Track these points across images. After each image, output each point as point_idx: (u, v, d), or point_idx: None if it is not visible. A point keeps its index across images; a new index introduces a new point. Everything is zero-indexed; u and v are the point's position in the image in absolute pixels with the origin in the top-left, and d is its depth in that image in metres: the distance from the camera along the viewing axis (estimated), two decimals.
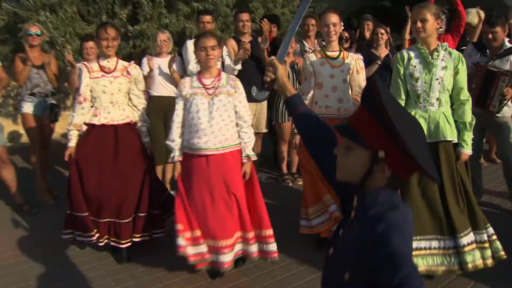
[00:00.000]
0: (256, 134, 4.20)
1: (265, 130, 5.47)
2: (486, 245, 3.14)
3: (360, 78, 3.78)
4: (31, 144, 5.20)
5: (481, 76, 4.25)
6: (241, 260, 3.56)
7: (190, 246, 3.25)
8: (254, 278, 3.44)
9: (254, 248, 3.37)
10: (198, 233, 3.27)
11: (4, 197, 5.27)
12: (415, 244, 3.06)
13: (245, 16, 5.30)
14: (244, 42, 4.97)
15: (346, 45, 5.36)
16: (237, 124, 3.39)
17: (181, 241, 3.20)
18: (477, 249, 3.12)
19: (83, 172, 3.61)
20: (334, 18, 3.69)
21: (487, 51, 4.39)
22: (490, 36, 4.27)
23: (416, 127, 1.44)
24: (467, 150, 3.19)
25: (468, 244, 3.08)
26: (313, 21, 5.63)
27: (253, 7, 7.56)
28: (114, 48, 3.68)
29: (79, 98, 3.64)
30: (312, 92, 3.81)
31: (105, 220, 3.65)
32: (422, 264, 3.10)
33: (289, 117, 5.19)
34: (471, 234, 3.12)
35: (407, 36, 5.57)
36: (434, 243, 3.12)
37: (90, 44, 5.03)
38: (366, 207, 1.39)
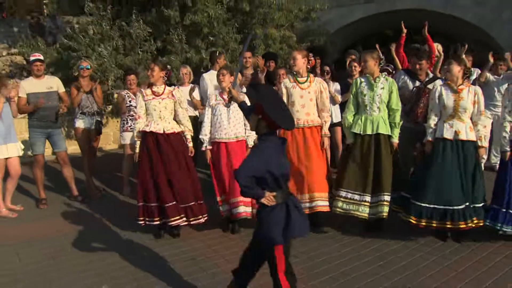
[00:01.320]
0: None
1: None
2: (386, 203, 4.84)
3: (323, 96, 5.17)
4: (82, 150, 6.78)
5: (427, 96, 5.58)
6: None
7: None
8: None
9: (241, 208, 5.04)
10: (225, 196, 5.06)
11: (64, 190, 6.87)
12: (343, 194, 4.90)
13: (247, 54, 6.87)
14: (246, 73, 6.54)
15: (327, 77, 6.79)
16: (244, 124, 5.09)
17: (223, 208, 5.10)
18: (381, 205, 4.82)
19: (147, 169, 5.00)
20: (297, 55, 5.15)
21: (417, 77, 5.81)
22: (417, 66, 5.72)
23: (276, 105, 3.05)
24: (395, 140, 4.95)
25: (383, 200, 4.81)
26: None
27: (255, 43, 9.05)
28: (160, 77, 5.12)
29: (136, 116, 5.12)
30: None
31: (157, 205, 4.99)
32: (343, 207, 4.92)
33: None
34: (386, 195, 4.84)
35: (437, 72, 6.53)
36: (356, 196, 4.90)
37: (132, 77, 6.66)
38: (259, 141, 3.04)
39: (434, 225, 4.66)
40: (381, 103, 4.92)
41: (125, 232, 5.32)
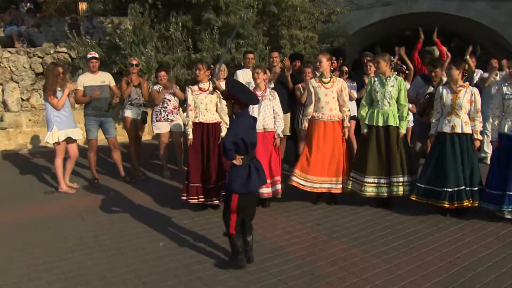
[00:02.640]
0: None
1: (288, 133, 7.76)
2: (405, 184, 5.71)
3: (343, 94, 6.01)
4: (129, 137, 7.74)
5: None
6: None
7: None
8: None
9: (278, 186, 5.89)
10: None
11: (113, 172, 7.84)
12: (370, 180, 5.73)
13: (275, 54, 7.74)
14: (274, 71, 7.41)
15: (345, 76, 7.59)
16: (274, 117, 5.90)
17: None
18: (396, 186, 5.68)
19: (196, 154, 5.91)
20: (323, 58, 5.99)
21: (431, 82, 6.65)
22: (433, 74, 6.58)
23: (243, 90, 4.38)
24: (402, 131, 5.78)
25: (395, 181, 5.70)
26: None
27: (282, 43, 9.85)
28: (205, 76, 6.01)
29: (189, 107, 5.98)
30: (313, 103, 6.09)
31: (199, 185, 5.90)
32: (371, 191, 5.75)
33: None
34: (398, 176, 5.70)
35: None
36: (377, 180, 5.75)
37: (163, 73, 7.59)
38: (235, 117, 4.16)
39: (432, 203, 5.48)
40: (391, 99, 5.78)
41: (164, 209, 6.20)
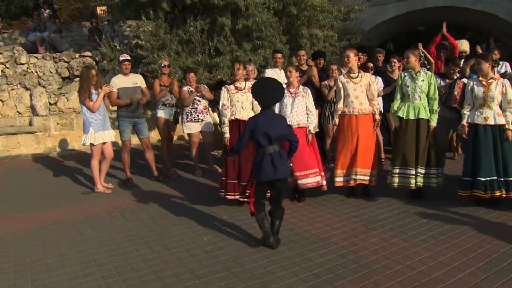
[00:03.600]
0: None
1: (316, 130, 7.92)
2: (434, 176, 5.83)
3: (371, 89, 6.19)
4: (162, 137, 7.96)
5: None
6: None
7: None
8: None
9: (318, 178, 6.05)
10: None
11: (147, 171, 8.07)
12: (397, 170, 5.92)
13: (301, 52, 7.91)
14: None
15: (371, 73, 7.74)
16: (307, 113, 6.05)
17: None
18: (430, 177, 5.81)
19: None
20: (350, 53, 6.18)
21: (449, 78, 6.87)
22: (451, 71, 6.81)
23: (261, 90, 4.77)
24: (433, 124, 5.93)
25: (425, 173, 5.82)
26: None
27: (302, 42, 10.02)
28: (242, 75, 6.26)
29: (225, 106, 6.19)
30: (342, 99, 6.25)
31: (236, 182, 6.09)
32: (399, 181, 5.93)
33: (331, 120, 7.67)
34: (428, 168, 5.85)
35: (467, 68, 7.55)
36: (407, 171, 5.87)
37: (191, 74, 7.75)
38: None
39: (473, 194, 5.59)
40: (422, 93, 5.94)
41: (201, 206, 6.38)
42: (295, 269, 4.31)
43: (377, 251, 4.59)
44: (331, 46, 10.56)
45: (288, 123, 6.01)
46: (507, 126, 5.56)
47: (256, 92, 4.80)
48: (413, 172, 5.90)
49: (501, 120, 5.58)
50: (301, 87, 6.25)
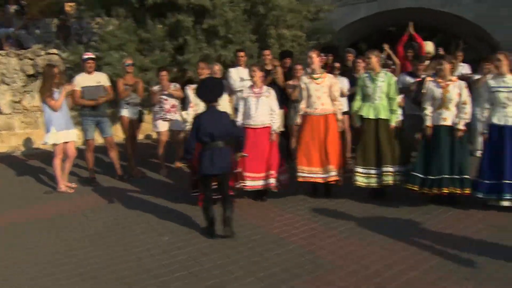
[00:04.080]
0: None
1: (281, 129, 7.96)
2: (397, 173, 5.95)
3: (334, 89, 6.24)
4: (125, 136, 7.88)
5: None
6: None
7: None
8: None
9: (272, 180, 6.07)
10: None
11: (111, 171, 7.99)
12: (361, 170, 5.99)
13: (266, 52, 7.95)
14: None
15: (337, 73, 7.80)
16: (271, 113, 6.12)
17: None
18: (386, 175, 5.91)
19: None
20: (313, 54, 6.23)
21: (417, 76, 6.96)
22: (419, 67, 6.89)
23: (204, 89, 5.15)
24: (393, 123, 6.02)
25: (387, 171, 5.91)
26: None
27: (270, 42, 10.01)
28: (206, 75, 6.37)
29: (190, 105, 6.29)
30: (305, 99, 6.28)
31: None
32: (363, 181, 6.00)
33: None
34: (390, 166, 5.93)
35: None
36: (371, 171, 5.97)
37: (163, 73, 7.77)
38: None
39: (424, 191, 5.71)
40: (382, 94, 6.04)
41: (164, 205, 6.36)
42: (253, 268, 4.32)
43: (334, 251, 4.64)
44: (300, 46, 10.57)
45: (253, 122, 6.13)
46: (458, 126, 5.67)
47: (198, 90, 5.19)
48: (375, 171, 6.00)
49: (455, 121, 5.70)
50: (265, 87, 6.29)
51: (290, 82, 7.57)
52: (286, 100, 7.73)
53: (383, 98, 6.06)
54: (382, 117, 6.02)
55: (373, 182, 6.02)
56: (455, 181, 5.62)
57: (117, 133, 9.40)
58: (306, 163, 6.18)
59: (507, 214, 5.43)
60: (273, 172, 6.09)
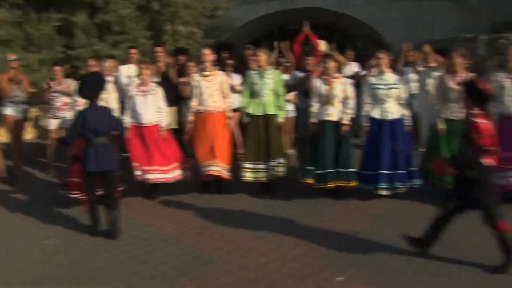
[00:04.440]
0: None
1: (175, 127, 7.91)
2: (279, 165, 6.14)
3: (225, 87, 6.32)
4: (10, 136, 7.42)
5: None
6: None
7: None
8: None
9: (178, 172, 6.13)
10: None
11: None
12: (250, 165, 6.11)
13: (158, 49, 7.87)
14: (159, 66, 7.51)
15: (230, 70, 7.87)
16: (158, 111, 6.11)
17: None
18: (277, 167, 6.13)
19: None
20: (205, 51, 6.31)
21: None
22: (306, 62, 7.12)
23: (86, 86, 5.09)
24: (279, 119, 6.24)
25: (274, 165, 6.09)
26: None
27: (164, 39, 9.93)
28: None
29: (76, 102, 6.15)
30: (196, 96, 6.31)
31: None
32: (251, 176, 6.13)
33: None
34: (277, 160, 6.14)
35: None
36: (259, 165, 6.12)
37: (56, 69, 7.46)
38: None
39: (314, 185, 5.92)
40: (269, 90, 6.22)
41: (45, 207, 6.06)
42: (139, 268, 4.28)
43: (223, 246, 4.70)
44: (196, 43, 10.57)
45: (142, 121, 6.03)
46: (343, 121, 5.95)
47: (79, 87, 5.16)
48: (263, 166, 6.15)
49: (339, 115, 5.97)
50: (152, 84, 6.22)
51: (182, 79, 7.53)
52: (179, 97, 7.67)
53: (271, 95, 6.23)
54: (270, 113, 6.19)
55: (261, 176, 6.17)
56: (340, 174, 5.88)
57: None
58: (203, 160, 6.19)
59: (385, 202, 5.82)
60: (176, 164, 6.12)
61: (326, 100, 6.00)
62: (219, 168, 6.15)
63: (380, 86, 5.99)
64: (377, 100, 6.02)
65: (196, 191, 6.45)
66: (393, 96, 5.99)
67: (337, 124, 5.96)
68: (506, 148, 5.50)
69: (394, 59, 7.88)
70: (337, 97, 5.98)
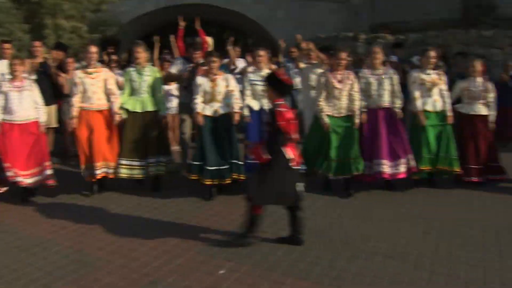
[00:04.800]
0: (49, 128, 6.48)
1: (55, 125, 7.54)
2: (163, 164, 6.16)
3: (109, 83, 6.13)
4: None
5: None
6: None
7: None
8: None
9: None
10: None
11: None
12: (125, 162, 6.01)
13: (36, 43, 7.44)
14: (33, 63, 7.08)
15: (114, 65, 7.66)
16: (36, 107, 5.82)
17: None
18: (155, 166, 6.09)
19: None
20: (90, 48, 6.09)
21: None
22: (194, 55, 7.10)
23: None
24: (162, 113, 6.30)
25: (152, 162, 6.07)
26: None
27: (46, 33, 9.42)
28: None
29: None
30: (79, 93, 6.07)
31: None
32: (126, 172, 6.05)
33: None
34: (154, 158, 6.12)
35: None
36: (134, 162, 6.04)
37: None
38: None
39: (200, 180, 5.91)
40: (148, 87, 6.20)
41: None
42: (10, 277, 3.99)
43: (102, 247, 4.55)
44: (81, 38, 10.14)
45: (16, 118, 5.70)
46: (235, 111, 5.97)
47: None
48: (139, 163, 6.10)
49: (224, 110, 6.02)
50: (27, 81, 5.90)
51: (63, 76, 7.19)
52: (59, 95, 7.33)
53: (149, 92, 6.21)
54: (149, 109, 6.18)
55: (136, 173, 6.11)
56: (230, 168, 5.93)
57: None
58: (88, 161, 5.98)
59: None
60: (38, 169, 5.82)
61: (210, 97, 6.01)
62: (104, 170, 6.00)
63: (258, 82, 6.22)
64: (256, 95, 6.25)
65: (79, 191, 6.19)
66: None
67: (222, 119, 6.00)
68: (373, 138, 6.01)
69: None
70: (221, 93, 6.03)
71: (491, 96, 6.66)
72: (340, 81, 6.04)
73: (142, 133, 6.12)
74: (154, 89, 6.21)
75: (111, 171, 6.07)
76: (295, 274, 4.00)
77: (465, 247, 4.53)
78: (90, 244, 4.63)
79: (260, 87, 6.10)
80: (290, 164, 4.41)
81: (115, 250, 4.49)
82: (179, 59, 7.38)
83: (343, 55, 6.10)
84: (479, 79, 6.66)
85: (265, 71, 6.08)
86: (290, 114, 4.37)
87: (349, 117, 6.10)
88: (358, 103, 6.08)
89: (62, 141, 7.79)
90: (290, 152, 4.41)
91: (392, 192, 6.25)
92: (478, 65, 6.69)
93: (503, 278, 3.94)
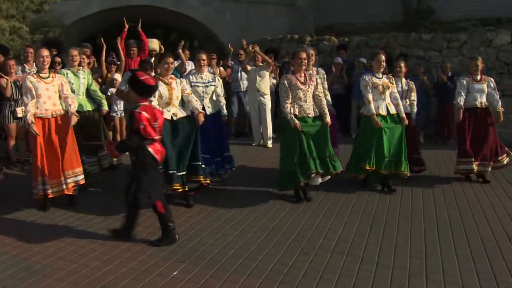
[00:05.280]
0: None
1: None
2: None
3: (64, 88, 5.83)
4: None
5: None
6: None
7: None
8: None
9: None
10: None
11: None
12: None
13: None
14: None
15: (58, 68, 7.44)
16: None
17: None
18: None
19: None
20: (42, 53, 5.78)
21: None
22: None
23: None
24: (105, 108, 6.61)
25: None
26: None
27: None
28: None
29: None
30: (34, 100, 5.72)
31: None
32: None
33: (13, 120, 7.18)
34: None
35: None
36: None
37: None
38: None
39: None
40: (84, 89, 6.49)
41: None
42: None
43: (51, 254, 4.44)
44: (21, 39, 9.80)
45: None
46: (198, 111, 5.87)
47: None
48: (88, 160, 6.32)
49: (183, 113, 5.90)
50: None
51: (4, 78, 6.93)
52: (2, 98, 7.08)
53: (86, 93, 6.47)
54: (89, 109, 6.41)
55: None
56: (195, 171, 5.87)
57: None
58: (46, 174, 5.60)
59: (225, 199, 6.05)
60: None
61: (168, 101, 5.85)
62: (71, 179, 5.72)
63: (199, 84, 6.42)
64: (198, 97, 6.29)
65: (27, 200, 5.93)
66: (210, 93, 6.52)
67: (178, 123, 5.85)
68: None
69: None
70: (178, 96, 5.93)
71: (414, 95, 7.03)
72: (303, 83, 6.00)
73: (86, 134, 6.26)
74: (90, 89, 6.55)
75: (79, 178, 5.80)
76: (249, 273, 4.06)
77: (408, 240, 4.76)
78: (39, 251, 4.51)
79: (201, 89, 6.36)
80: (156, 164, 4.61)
81: (64, 256, 4.40)
82: (128, 73, 7.30)
83: (303, 55, 6.02)
84: (403, 80, 6.98)
85: (205, 73, 6.19)
86: (147, 116, 4.48)
87: (317, 118, 6.06)
88: (325, 103, 6.12)
89: (5, 146, 7.50)
90: (154, 152, 4.57)
91: (341, 190, 6.45)
92: (403, 65, 7.03)
93: (444, 268, 4.16)
